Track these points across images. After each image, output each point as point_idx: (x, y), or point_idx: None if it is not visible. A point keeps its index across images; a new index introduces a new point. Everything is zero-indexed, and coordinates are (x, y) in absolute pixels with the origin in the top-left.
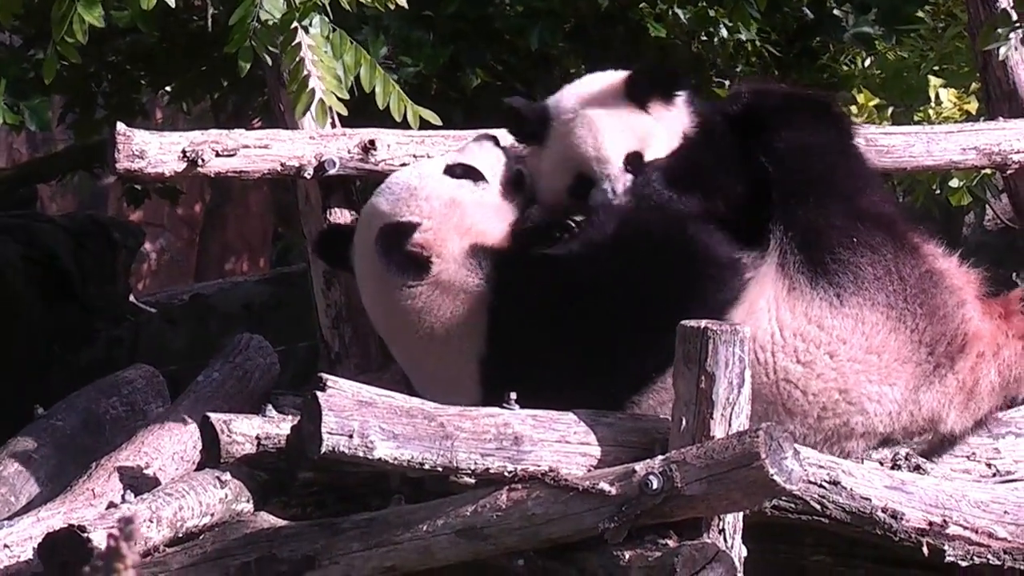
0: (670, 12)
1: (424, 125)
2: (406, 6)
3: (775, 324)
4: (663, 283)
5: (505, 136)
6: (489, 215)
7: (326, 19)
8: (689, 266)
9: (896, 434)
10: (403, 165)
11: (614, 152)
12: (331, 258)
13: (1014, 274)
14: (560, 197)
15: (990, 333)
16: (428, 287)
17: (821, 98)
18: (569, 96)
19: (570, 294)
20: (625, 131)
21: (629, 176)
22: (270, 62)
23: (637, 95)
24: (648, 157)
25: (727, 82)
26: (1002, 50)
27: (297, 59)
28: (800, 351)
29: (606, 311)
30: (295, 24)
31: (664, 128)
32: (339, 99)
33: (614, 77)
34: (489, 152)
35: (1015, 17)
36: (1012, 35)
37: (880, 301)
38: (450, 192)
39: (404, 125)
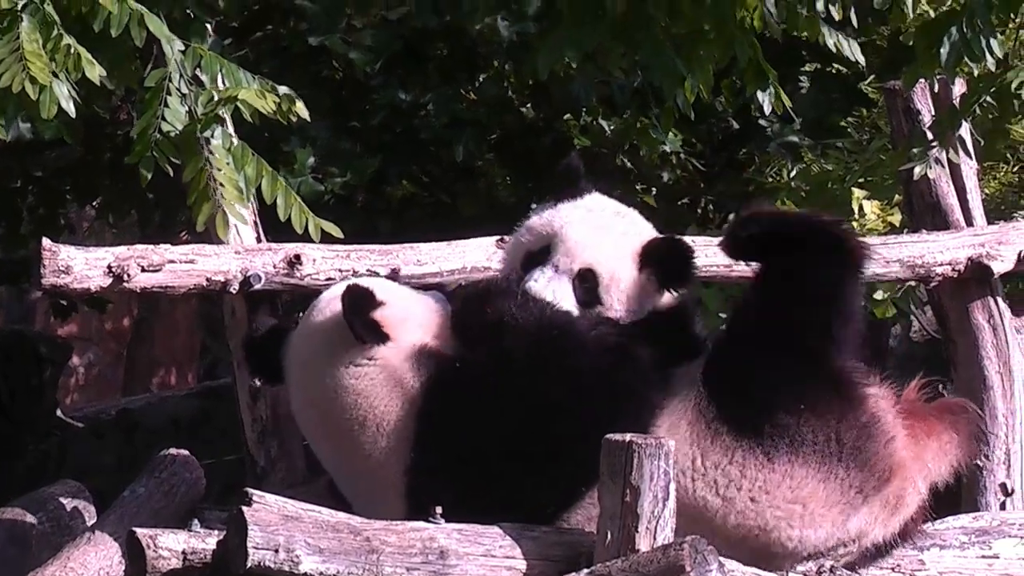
0: (595, 123)
1: (350, 240)
2: (307, 117)
3: (696, 450)
4: (588, 400)
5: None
6: (444, 325)
7: (227, 131)
8: (613, 385)
9: (821, 554)
10: (329, 280)
11: (585, 257)
12: (258, 363)
13: (940, 385)
14: (519, 256)
15: (914, 455)
16: (374, 368)
17: (838, 229)
18: (611, 202)
19: (496, 410)
20: (607, 257)
21: (566, 282)
22: (171, 173)
23: (646, 261)
24: (603, 291)
25: (653, 190)
26: (917, 169)
27: (198, 169)
28: (720, 485)
29: (531, 428)
30: (196, 135)
31: (635, 290)
32: (239, 211)
33: (648, 230)
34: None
35: (931, 137)
36: (929, 154)
37: (813, 461)
38: (414, 294)
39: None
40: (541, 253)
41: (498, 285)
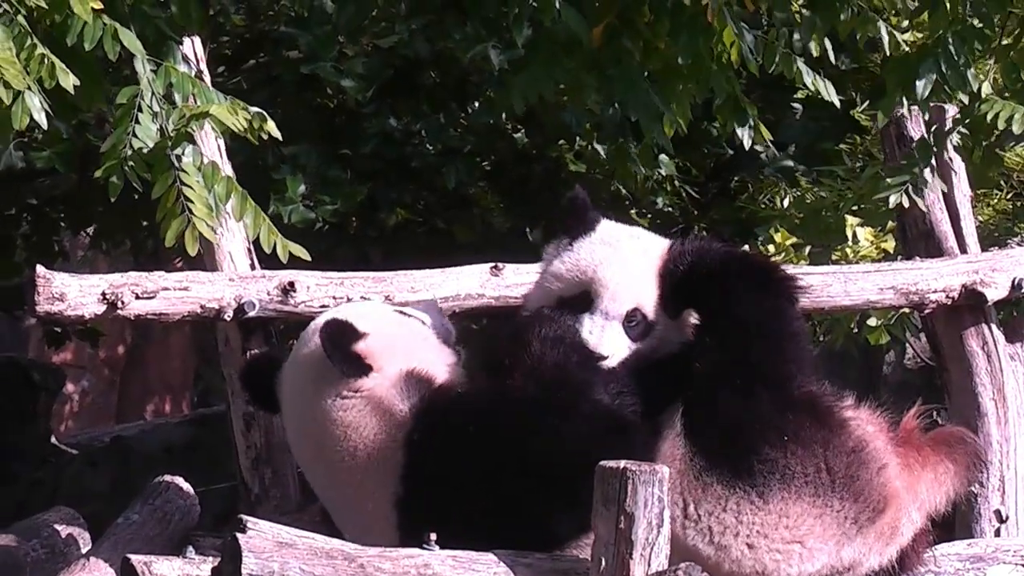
0: (589, 148)
1: (343, 266)
2: (278, 136)
3: (688, 496)
4: (580, 443)
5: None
6: (431, 350)
7: (198, 149)
8: (607, 432)
9: None
10: (323, 307)
11: (627, 297)
12: (255, 388)
13: (934, 412)
14: (550, 302)
15: (907, 484)
16: (361, 400)
17: (764, 264)
18: (621, 228)
19: (486, 443)
20: (643, 289)
21: (617, 326)
22: (140, 189)
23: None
24: (650, 324)
25: (648, 215)
26: (892, 199)
27: (167, 186)
28: (715, 532)
29: (522, 465)
30: (167, 152)
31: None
32: (209, 226)
33: (661, 246)
34: (437, 314)
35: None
36: (907, 182)
37: (807, 494)
38: (399, 319)
39: (325, 266)
40: (579, 299)
41: (548, 328)
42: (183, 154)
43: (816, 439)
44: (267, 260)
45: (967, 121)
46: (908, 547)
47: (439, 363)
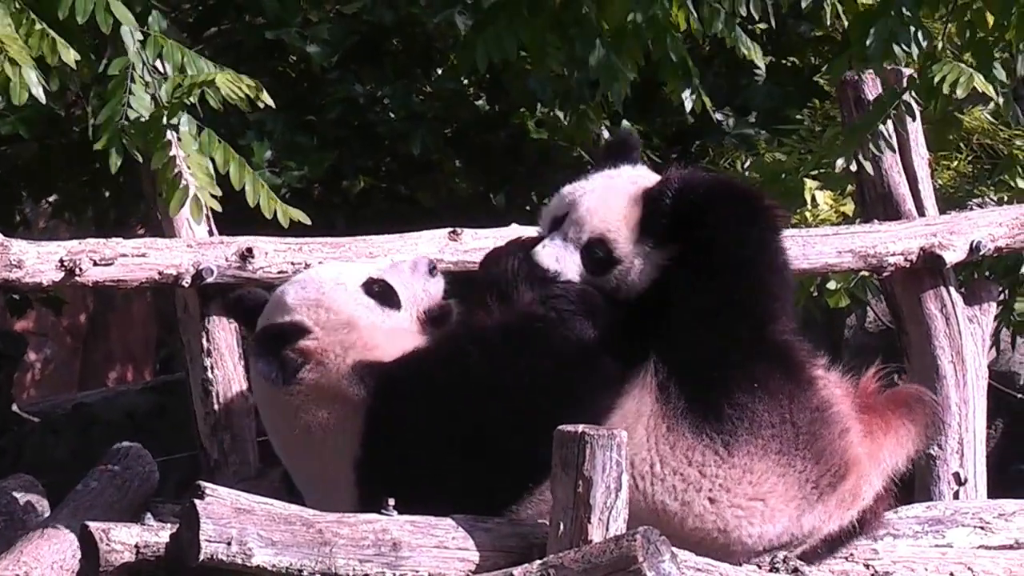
0: (551, 114)
1: (306, 233)
2: (272, 104)
3: (654, 455)
4: (542, 400)
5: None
6: (385, 339)
7: (193, 118)
8: (566, 374)
9: (774, 548)
10: (281, 273)
11: (594, 226)
12: (246, 317)
13: (895, 375)
14: (547, 219)
15: (870, 451)
16: (307, 388)
17: (749, 191)
18: (636, 170)
19: (448, 403)
20: (616, 223)
21: (572, 250)
22: (140, 159)
23: (646, 212)
24: (615, 259)
25: None
26: (839, 163)
27: (167, 157)
28: (679, 489)
29: (483, 419)
30: (164, 122)
31: (634, 246)
32: (212, 195)
33: (647, 179)
34: (418, 280)
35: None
36: (867, 142)
37: (772, 449)
38: (351, 311)
39: (287, 232)
40: (560, 219)
41: (514, 244)
42: (180, 123)
43: (783, 390)
44: (225, 226)
45: (917, 83)
46: (868, 509)
47: (394, 349)
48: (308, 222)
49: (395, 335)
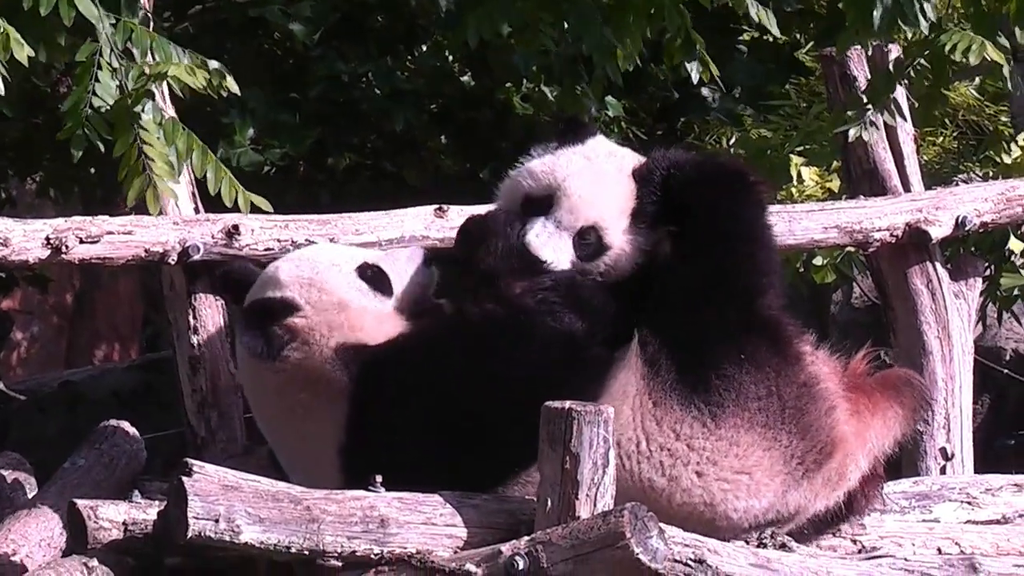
0: (536, 90)
1: (292, 211)
2: (238, 92)
3: (640, 433)
4: (527, 379)
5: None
6: (372, 323)
7: (158, 105)
8: (553, 362)
9: (760, 525)
10: (268, 251)
11: (586, 213)
12: (234, 291)
13: (882, 352)
14: (517, 198)
15: (856, 431)
16: (292, 367)
17: (737, 168)
18: (608, 144)
19: (431, 387)
20: (607, 209)
21: (567, 238)
22: (103, 149)
23: (641, 196)
24: (605, 245)
25: None
26: (852, 132)
27: (129, 144)
28: (666, 465)
29: (468, 406)
30: (127, 110)
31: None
32: (170, 185)
33: (638, 162)
34: (412, 270)
35: (866, 100)
36: (865, 116)
37: (758, 422)
38: (343, 293)
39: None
40: (542, 202)
41: (498, 224)
42: (143, 111)
43: (770, 364)
44: (211, 204)
45: (926, 52)
46: (857, 490)
47: (381, 333)
48: (270, 209)
49: (383, 320)
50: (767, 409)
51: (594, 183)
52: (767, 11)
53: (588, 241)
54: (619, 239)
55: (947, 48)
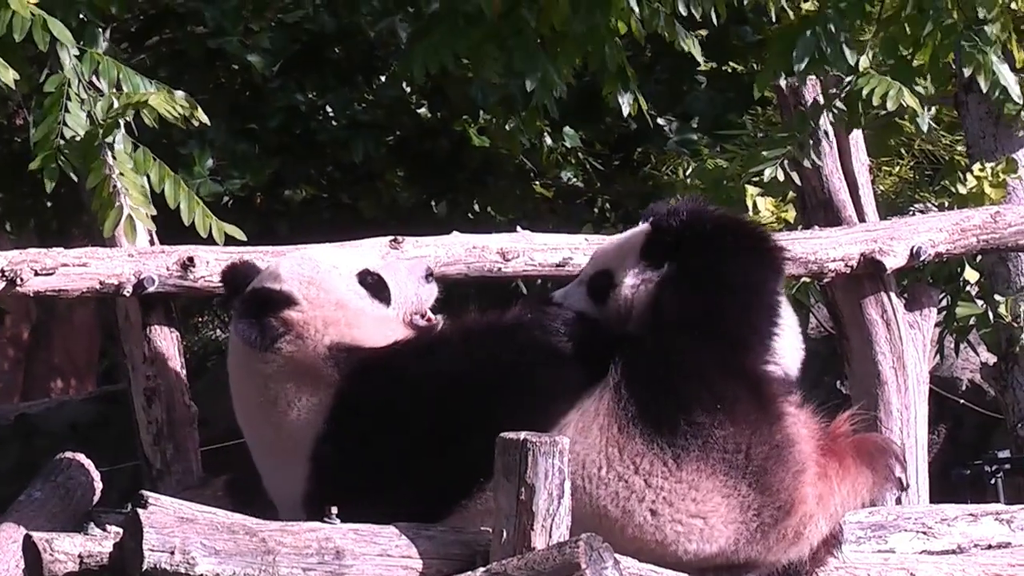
0: (493, 122)
1: (249, 242)
2: (207, 122)
3: (603, 458)
4: (503, 387)
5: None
6: (372, 326)
7: (129, 136)
8: (533, 370)
9: (710, 569)
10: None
11: (600, 263)
12: (236, 285)
13: (837, 382)
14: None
15: (821, 494)
16: (284, 359)
17: (757, 231)
18: None
19: (417, 392)
20: (619, 259)
21: (581, 288)
22: (76, 179)
23: (655, 239)
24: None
25: (554, 187)
26: (767, 171)
27: (103, 176)
28: (622, 497)
29: (448, 412)
30: (99, 141)
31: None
32: (147, 214)
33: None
34: (412, 282)
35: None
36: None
37: (720, 472)
38: (341, 294)
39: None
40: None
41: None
42: (115, 142)
43: (747, 419)
44: (166, 235)
45: (843, 96)
46: (813, 551)
47: (377, 337)
48: (243, 238)
49: (378, 325)
50: (731, 462)
51: (612, 243)
52: (693, 40)
53: (599, 283)
54: (627, 276)
55: (864, 92)
